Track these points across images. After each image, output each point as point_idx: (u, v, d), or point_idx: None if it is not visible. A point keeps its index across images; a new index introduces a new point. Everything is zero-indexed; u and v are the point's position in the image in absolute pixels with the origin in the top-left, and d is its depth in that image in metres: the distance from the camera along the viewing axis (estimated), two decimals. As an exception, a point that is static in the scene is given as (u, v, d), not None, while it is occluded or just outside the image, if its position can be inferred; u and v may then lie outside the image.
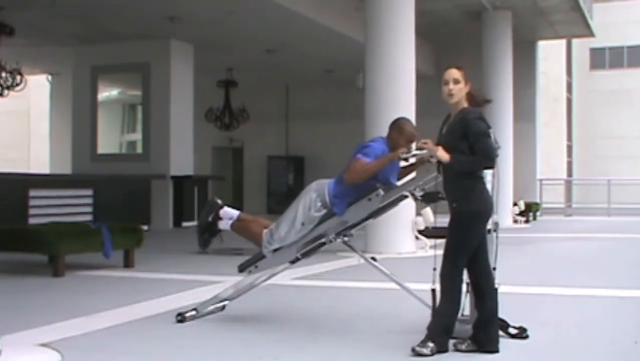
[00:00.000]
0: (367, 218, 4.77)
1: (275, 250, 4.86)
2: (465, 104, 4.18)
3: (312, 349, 4.24)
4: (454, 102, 4.18)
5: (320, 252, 5.00)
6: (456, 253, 4.08)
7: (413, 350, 3.95)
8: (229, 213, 5.14)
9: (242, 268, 5.04)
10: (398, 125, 4.80)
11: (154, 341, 4.46)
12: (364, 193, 4.62)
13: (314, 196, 4.74)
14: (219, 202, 5.21)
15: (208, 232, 5.17)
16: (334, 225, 4.73)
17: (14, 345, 4.08)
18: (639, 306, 5.88)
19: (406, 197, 4.61)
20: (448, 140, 4.14)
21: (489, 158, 4.06)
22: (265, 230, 4.91)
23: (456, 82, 4.15)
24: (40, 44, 15.66)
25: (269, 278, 5.15)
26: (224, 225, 5.12)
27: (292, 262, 4.95)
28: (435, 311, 4.15)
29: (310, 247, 4.84)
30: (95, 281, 7.21)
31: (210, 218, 5.15)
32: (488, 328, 4.10)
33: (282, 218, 4.84)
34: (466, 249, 4.10)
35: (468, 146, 4.05)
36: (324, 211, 4.71)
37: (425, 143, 4.17)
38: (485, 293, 4.16)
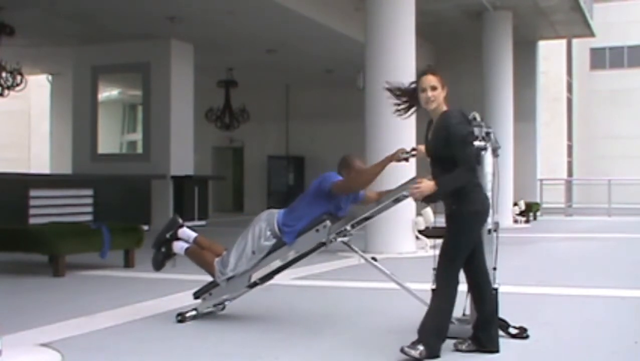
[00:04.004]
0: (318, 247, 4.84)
1: (229, 279, 4.94)
2: (444, 107, 4.14)
3: (312, 349, 4.24)
4: (433, 108, 4.15)
5: (320, 252, 5.00)
6: (455, 253, 4.05)
7: (402, 349, 3.84)
8: (187, 233, 5.25)
9: (197, 295, 5.12)
10: (346, 162, 4.92)
11: (154, 341, 4.47)
12: (312, 224, 4.73)
13: (263, 226, 4.86)
14: (180, 221, 5.30)
15: (163, 251, 5.24)
16: (283, 254, 4.85)
17: (14, 345, 4.08)
18: (639, 306, 5.88)
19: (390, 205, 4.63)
20: (435, 147, 4.09)
21: (471, 168, 3.96)
22: (217, 259, 5.00)
23: (434, 88, 4.11)
24: (40, 44, 15.66)
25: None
26: (178, 248, 5.21)
27: (250, 287, 5.02)
28: (428, 311, 4.03)
29: (270, 271, 4.92)
30: (95, 281, 7.21)
31: (168, 235, 5.25)
32: (488, 328, 4.09)
33: (232, 248, 4.94)
34: (465, 249, 4.08)
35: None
36: (274, 240, 4.83)
37: (417, 187, 3.99)
38: (484, 293, 4.16)
